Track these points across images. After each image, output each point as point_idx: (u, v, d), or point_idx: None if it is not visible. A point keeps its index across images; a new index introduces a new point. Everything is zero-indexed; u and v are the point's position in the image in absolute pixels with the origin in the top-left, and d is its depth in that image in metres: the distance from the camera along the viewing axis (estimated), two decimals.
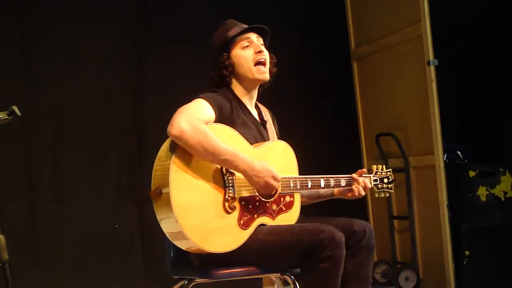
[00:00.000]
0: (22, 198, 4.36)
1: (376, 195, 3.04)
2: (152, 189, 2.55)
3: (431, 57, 4.45)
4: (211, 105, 2.66)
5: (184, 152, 2.55)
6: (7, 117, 2.56)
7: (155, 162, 2.59)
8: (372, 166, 3.05)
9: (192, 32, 4.81)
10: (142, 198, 4.64)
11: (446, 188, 4.46)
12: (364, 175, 2.96)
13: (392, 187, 3.06)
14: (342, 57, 5.34)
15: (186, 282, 2.75)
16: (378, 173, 3.04)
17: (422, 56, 4.50)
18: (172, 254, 2.86)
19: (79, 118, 4.51)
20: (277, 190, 2.71)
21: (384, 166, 3.06)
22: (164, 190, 2.51)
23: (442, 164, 4.47)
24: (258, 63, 2.81)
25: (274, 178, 2.65)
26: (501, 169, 4.63)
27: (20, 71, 4.41)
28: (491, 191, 4.59)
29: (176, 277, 2.85)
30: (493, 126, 5.07)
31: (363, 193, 2.93)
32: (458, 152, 4.79)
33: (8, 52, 4.35)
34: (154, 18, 4.81)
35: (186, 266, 2.83)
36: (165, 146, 2.60)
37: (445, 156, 4.53)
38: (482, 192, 4.58)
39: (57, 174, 4.46)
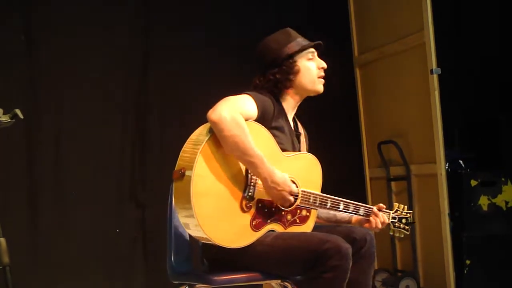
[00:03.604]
0: (23, 201, 4.36)
1: (391, 233, 3.02)
2: (176, 169, 2.56)
3: (434, 66, 4.44)
4: (256, 103, 2.67)
5: (216, 141, 2.55)
6: (10, 120, 2.57)
7: (185, 144, 2.59)
8: (395, 204, 3.05)
9: (195, 33, 4.82)
10: (144, 202, 4.65)
11: (447, 197, 4.46)
12: (383, 210, 2.95)
13: (409, 230, 3.03)
14: (345, 64, 5.33)
15: (187, 287, 2.75)
16: (398, 211, 3.02)
17: (425, 65, 4.50)
18: (173, 259, 2.86)
19: (81, 121, 4.52)
20: (294, 202, 2.71)
21: (406, 207, 3.05)
22: (187, 173, 2.52)
23: (444, 172, 4.46)
24: (320, 77, 2.94)
25: (292, 194, 2.67)
26: (503, 179, 4.63)
27: (24, 73, 4.42)
28: (493, 200, 4.59)
29: (176, 282, 2.85)
30: (496, 135, 5.07)
31: (380, 226, 2.91)
32: (460, 161, 4.79)
33: (13, 54, 4.37)
34: (158, 18, 4.81)
35: (187, 272, 2.83)
36: (199, 130, 2.61)
37: (447, 165, 4.52)
38: (483, 201, 4.58)
39: (59, 178, 4.46)
